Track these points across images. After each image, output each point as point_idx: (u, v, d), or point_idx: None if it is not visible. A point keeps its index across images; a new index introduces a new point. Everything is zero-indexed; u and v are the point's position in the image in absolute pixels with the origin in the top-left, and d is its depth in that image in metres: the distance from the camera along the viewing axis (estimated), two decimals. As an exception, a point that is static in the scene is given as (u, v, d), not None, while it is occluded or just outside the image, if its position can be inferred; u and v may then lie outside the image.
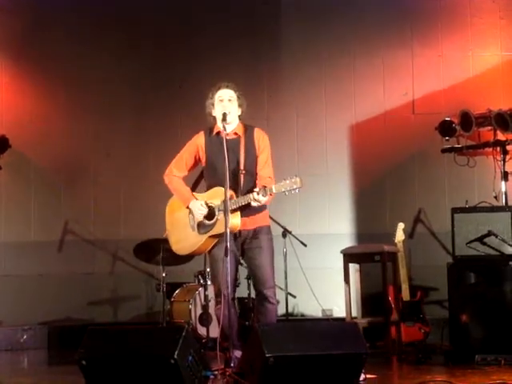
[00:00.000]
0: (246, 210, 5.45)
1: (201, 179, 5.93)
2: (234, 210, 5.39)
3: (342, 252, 7.23)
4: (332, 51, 8.88)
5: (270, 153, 5.68)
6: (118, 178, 8.88)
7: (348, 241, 8.46)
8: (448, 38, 8.82)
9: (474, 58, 8.77)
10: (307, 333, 5.02)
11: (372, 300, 7.59)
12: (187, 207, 5.65)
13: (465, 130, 7.94)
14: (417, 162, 8.72)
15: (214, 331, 6.50)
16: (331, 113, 8.89)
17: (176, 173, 5.80)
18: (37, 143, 8.80)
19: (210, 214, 5.55)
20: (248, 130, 5.68)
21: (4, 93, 8.85)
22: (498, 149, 7.89)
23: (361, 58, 8.86)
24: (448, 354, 6.43)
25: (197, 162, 5.78)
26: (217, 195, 5.51)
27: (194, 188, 5.92)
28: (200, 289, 7.54)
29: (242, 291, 7.36)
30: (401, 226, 7.54)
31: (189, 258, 6.46)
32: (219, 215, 5.46)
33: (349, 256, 7.23)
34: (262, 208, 5.58)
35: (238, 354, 5.36)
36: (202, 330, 7.35)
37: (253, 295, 6.86)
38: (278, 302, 5.74)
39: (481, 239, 6.43)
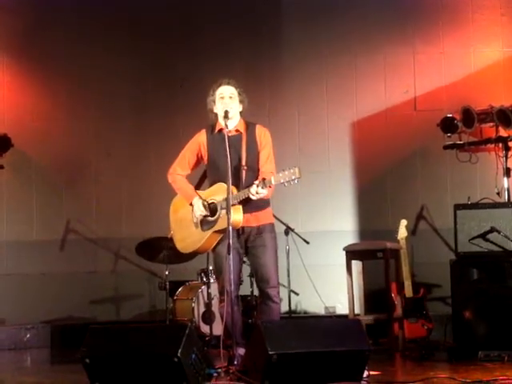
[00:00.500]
0: (248, 206, 5.45)
1: (204, 178, 5.94)
2: (235, 205, 5.38)
3: (344, 249, 7.23)
4: (333, 49, 8.87)
5: (272, 149, 5.67)
6: (120, 177, 8.90)
7: (350, 238, 8.46)
8: (449, 35, 8.81)
9: (476, 54, 8.76)
10: (310, 330, 5.03)
11: (375, 297, 7.58)
12: (191, 204, 5.65)
13: (467, 127, 7.94)
14: (419, 158, 8.71)
15: (218, 329, 6.50)
16: (333, 110, 8.89)
17: (179, 171, 5.80)
18: (38, 142, 8.81)
19: (213, 211, 5.55)
20: (250, 126, 5.69)
21: (5, 92, 8.86)
22: (500, 145, 7.88)
23: (362, 56, 8.85)
24: (451, 350, 6.42)
25: (199, 160, 5.79)
26: (219, 191, 5.51)
27: (197, 187, 5.92)
28: (203, 287, 7.53)
29: (245, 289, 7.36)
30: (403, 222, 7.54)
31: (192, 256, 6.47)
32: (221, 211, 5.46)
33: (351, 253, 7.22)
34: (264, 205, 5.58)
35: (241, 351, 5.36)
36: (205, 328, 7.35)
37: (255, 293, 6.87)
38: (281, 299, 5.72)
39: (483, 236, 6.42)
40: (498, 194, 7.67)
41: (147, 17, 9.00)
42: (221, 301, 5.56)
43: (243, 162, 5.54)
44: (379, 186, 8.74)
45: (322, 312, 8.34)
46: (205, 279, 7.53)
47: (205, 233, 5.59)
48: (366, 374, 5.11)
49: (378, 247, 7.12)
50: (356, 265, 7.35)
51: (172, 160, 5.85)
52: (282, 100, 8.91)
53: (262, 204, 5.54)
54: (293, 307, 8.14)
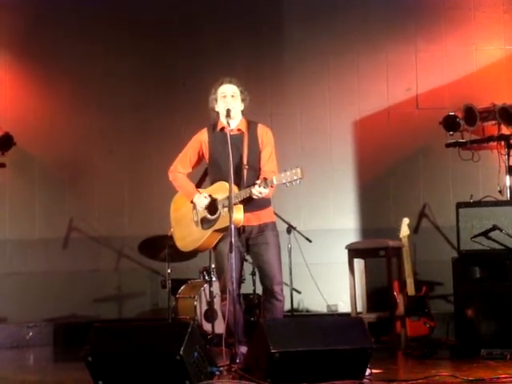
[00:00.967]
0: (249, 205, 5.44)
1: (205, 177, 5.94)
2: (236, 204, 5.38)
3: (346, 247, 7.23)
4: (335, 48, 8.87)
5: (274, 149, 5.67)
6: (122, 175, 8.91)
7: (353, 236, 8.46)
8: (451, 33, 8.81)
9: (478, 52, 8.76)
10: (312, 328, 5.03)
11: (377, 295, 7.58)
12: (191, 202, 5.66)
13: (469, 125, 7.94)
14: (421, 156, 8.72)
15: (220, 327, 6.50)
16: (335, 109, 8.89)
17: (180, 169, 5.80)
18: (40, 140, 8.82)
19: (213, 209, 5.55)
20: (251, 125, 5.68)
21: (8, 90, 8.87)
22: (503, 143, 7.89)
23: (364, 55, 8.86)
24: (453, 348, 6.43)
25: (200, 158, 5.78)
26: (220, 190, 5.51)
27: (198, 186, 5.92)
28: (205, 285, 7.54)
29: (247, 287, 7.36)
30: (405, 220, 7.53)
31: (194, 254, 6.47)
32: (222, 210, 5.47)
33: (354, 251, 7.22)
34: (265, 204, 5.58)
35: (243, 349, 5.36)
36: (207, 326, 7.36)
37: (258, 291, 6.88)
38: (284, 297, 5.72)
39: (486, 233, 6.42)
40: (500, 192, 7.69)
41: (147, 16, 9.00)
42: (223, 299, 5.56)
43: (245, 161, 5.54)
44: (381, 185, 8.74)
45: (324, 310, 8.36)
46: (207, 277, 7.53)
47: (205, 231, 5.59)
48: (368, 372, 5.12)
49: (380, 245, 7.11)
50: (358, 263, 7.34)
51: (173, 158, 5.85)
52: (283, 99, 8.91)
53: (263, 203, 5.54)
54: (295, 305, 8.14)
